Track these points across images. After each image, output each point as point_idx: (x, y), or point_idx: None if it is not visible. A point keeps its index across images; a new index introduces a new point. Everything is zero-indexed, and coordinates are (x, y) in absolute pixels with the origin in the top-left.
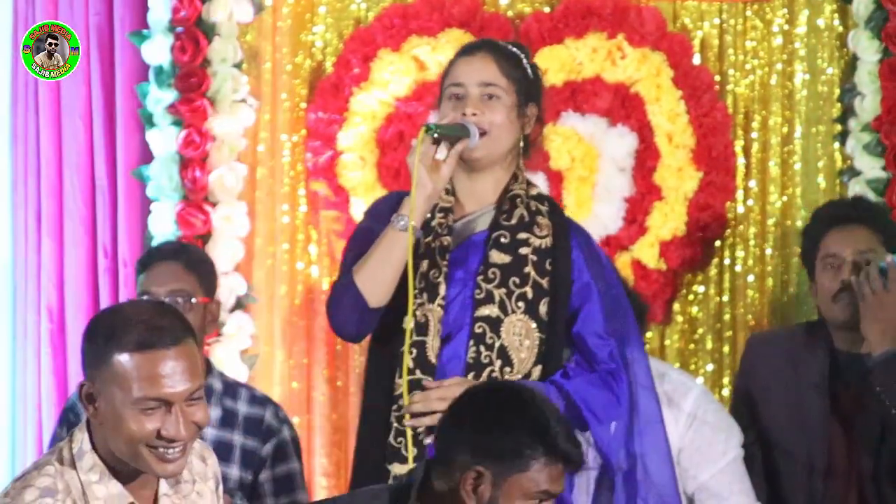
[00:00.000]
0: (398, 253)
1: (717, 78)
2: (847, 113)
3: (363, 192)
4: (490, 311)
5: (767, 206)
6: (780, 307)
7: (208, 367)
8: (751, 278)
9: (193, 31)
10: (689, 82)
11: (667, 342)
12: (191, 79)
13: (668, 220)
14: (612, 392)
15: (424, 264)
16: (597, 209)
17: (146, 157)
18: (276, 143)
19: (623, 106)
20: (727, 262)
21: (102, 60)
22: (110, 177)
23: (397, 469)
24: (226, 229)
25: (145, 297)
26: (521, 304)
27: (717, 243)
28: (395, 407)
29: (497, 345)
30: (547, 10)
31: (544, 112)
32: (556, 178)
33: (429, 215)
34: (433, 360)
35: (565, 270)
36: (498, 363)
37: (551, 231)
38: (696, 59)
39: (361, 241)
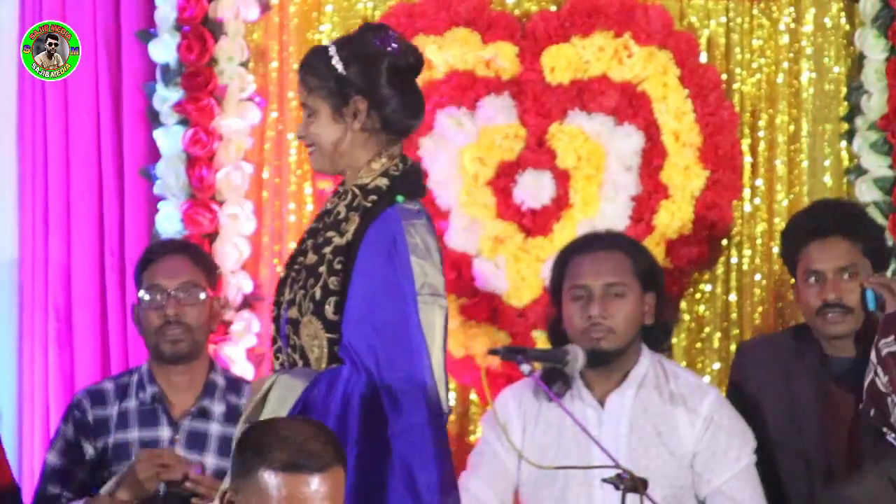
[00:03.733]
0: None
1: (724, 76)
2: (854, 111)
3: None
4: (293, 313)
5: (774, 204)
6: (788, 306)
7: (210, 365)
8: (758, 277)
9: (200, 30)
10: (695, 81)
11: (674, 340)
12: (197, 77)
13: (674, 218)
14: (324, 385)
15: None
16: (603, 208)
17: (153, 155)
18: (282, 141)
19: (630, 104)
20: (734, 260)
21: (109, 59)
22: (117, 175)
23: None
24: (232, 228)
25: (151, 293)
26: (311, 305)
27: (724, 242)
28: None
29: (298, 345)
30: (553, 8)
31: (382, 86)
32: (562, 177)
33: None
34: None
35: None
36: (301, 363)
37: (356, 227)
38: (703, 58)
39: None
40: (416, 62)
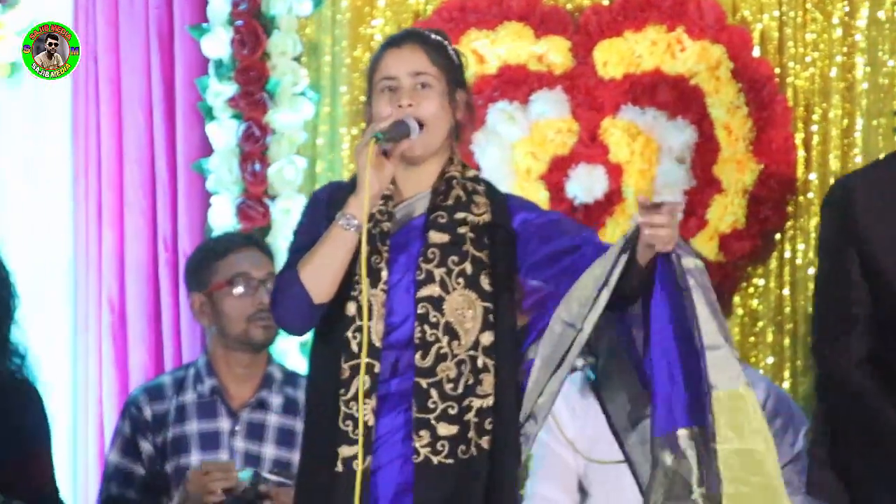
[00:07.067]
0: (343, 251)
1: (777, 70)
2: None
3: None
4: (432, 290)
5: None
6: None
7: (268, 357)
8: (811, 271)
9: (253, 25)
10: (748, 75)
11: None
12: (250, 72)
13: (727, 212)
14: None
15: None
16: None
17: (206, 150)
18: (335, 136)
19: (682, 99)
20: (788, 254)
21: (162, 54)
22: (170, 170)
23: (345, 451)
24: (285, 222)
25: (239, 282)
26: (461, 279)
27: (778, 236)
28: (342, 391)
29: (442, 322)
30: (606, 2)
31: (471, 96)
32: (615, 171)
33: None
34: (377, 343)
35: (505, 243)
36: (445, 339)
37: (489, 208)
38: (756, 52)
39: (306, 234)
40: None
